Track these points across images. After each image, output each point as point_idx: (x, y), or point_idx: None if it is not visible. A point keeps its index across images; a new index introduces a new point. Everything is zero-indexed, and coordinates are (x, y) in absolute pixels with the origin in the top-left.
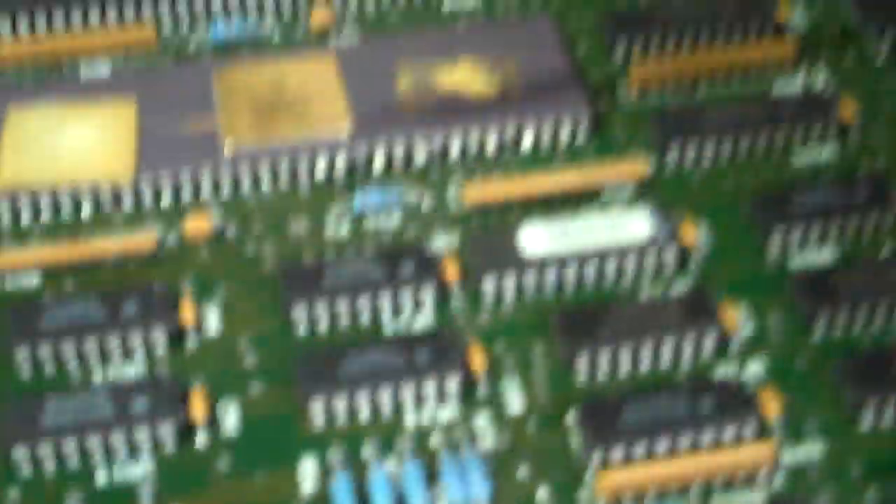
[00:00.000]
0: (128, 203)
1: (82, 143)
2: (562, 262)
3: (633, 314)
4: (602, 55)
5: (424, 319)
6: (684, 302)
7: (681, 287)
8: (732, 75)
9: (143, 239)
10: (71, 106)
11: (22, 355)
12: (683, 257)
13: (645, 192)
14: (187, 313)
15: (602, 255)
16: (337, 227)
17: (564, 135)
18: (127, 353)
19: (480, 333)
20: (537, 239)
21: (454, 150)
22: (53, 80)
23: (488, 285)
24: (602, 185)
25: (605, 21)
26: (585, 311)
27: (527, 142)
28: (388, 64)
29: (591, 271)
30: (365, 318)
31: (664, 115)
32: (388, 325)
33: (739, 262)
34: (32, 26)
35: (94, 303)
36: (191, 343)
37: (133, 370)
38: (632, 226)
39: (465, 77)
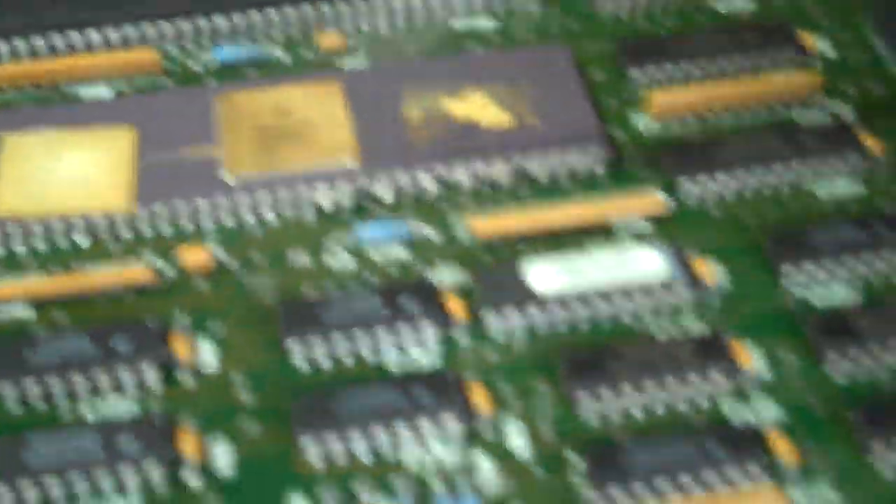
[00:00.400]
0: (125, 234)
1: (79, 172)
2: (570, 300)
3: (643, 354)
4: (618, 84)
5: (427, 356)
6: (696, 342)
7: (693, 326)
8: (753, 105)
9: (139, 271)
10: (68, 132)
11: (8, 390)
12: (696, 295)
13: (658, 226)
14: (181, 348)
15: (612, 293)
16: (339, 259)
17: (578, 166)
18: (118, 389)
19: (484, 371)
20: (546, 275)
21: (463, 181)
22: (51, 103)
23: (493, 322)
24: (615, 220)
25: (621, 49)
26: (593, 350)
27: (539, 173)
28: (396, 91)
29: (600, 309)
30: (365, 355)
31: (679, 147)
32: (389, 362)
33: (754, 301)
34: (31, 46)
35: (85, 337)
36: (184, 379)
37: (124, 407)
38: (644, 262)
39: (476, 106)
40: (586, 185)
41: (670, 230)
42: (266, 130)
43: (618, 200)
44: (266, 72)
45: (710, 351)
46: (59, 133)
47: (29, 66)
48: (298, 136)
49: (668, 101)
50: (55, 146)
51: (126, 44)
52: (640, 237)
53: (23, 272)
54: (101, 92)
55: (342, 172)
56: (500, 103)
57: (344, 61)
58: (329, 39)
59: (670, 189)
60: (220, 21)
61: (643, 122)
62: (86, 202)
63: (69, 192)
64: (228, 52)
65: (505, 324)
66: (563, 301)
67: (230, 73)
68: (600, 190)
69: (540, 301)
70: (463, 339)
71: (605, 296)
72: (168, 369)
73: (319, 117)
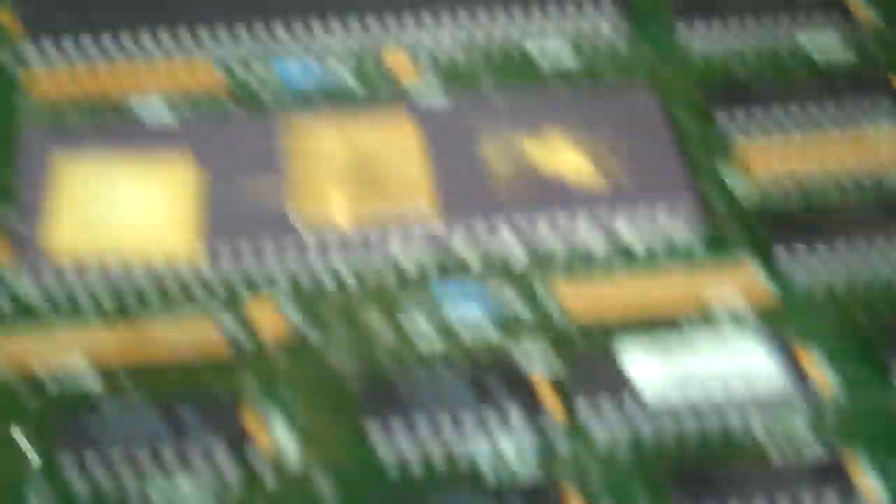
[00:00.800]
0: (189, 284)
1: (138, 204)
2: (674, 404)
3: (754, 472)
4: (707, 132)
5: (519, 455)
6: (812, 464)
7: (804, 436)
8: (856, 170)
9: (206, 333)
10: (125, 159)
11: (70, 464)
12: (807, 398)
13: (758, 309)
14: (253, 426)
15: (721, 403)
16: (418, 325)
17: (668, 228)
18: (186, 466)
19: (583, 482)
20: (645, 369)
21: (549, 244)
22: (104, 116)
23: (591, 422)
24: (711, 297)
25: (710, 93)
26: (703, 464)
27: (627, 238)
28: (474, 129)
29: (707, 418)
30: (453, 446)
31: (780, 216)
32: (480, 459)
33: (873, 409)
34: (83, 47)
35: (151, 410)
36: (256, 465)
37: (192, 483)
38: (749, 358)
39: (561, 156)
40: (676, 251)
41: (771, 315)
42: (339, 173)
43: (714, 276)
44: (337, 97)
45: (830, 475)
46: (116, 159)
47: (82, 72)
48: (374, 182)
49: (763, 157)
50: (109, 174)
51: (183, 52)
52: (737, 319)
53: (80, 317)
54: (156, 106)
55: (421, 225)
56: (583, 150)
57: (413, 86)
58: (395, 59)
59: (769, 265)
60: (280, 32)
61: (736, 181)
62: (146, 242)
63: (128, 228)
64: (291, 69)
65: (603, 425)
66: (666, 405)
67: (298, 97)
68: (693, 258)
69: (641, 403)
70: (558, 439)
71: (714, 405)
72: (240, 448)
73: (395, 160)
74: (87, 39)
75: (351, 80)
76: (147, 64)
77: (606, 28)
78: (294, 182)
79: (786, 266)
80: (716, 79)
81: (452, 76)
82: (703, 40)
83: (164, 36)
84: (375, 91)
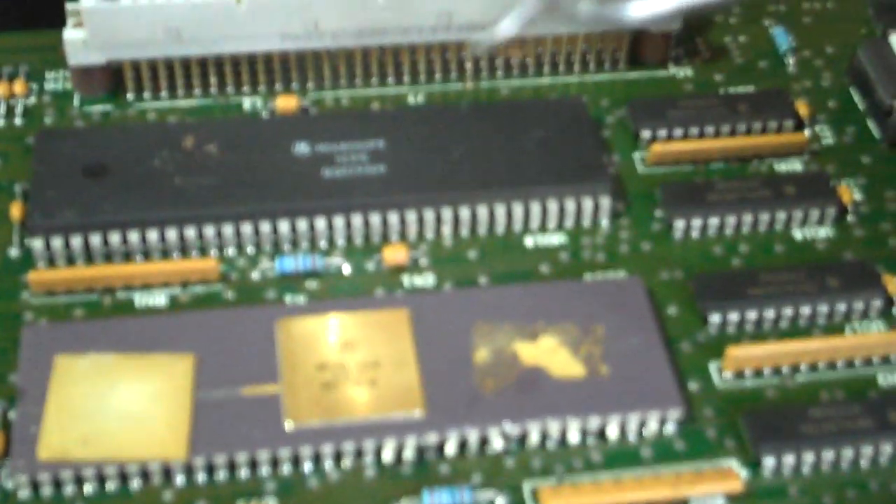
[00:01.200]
0: (179, 479)
1: (134, 406)
2: None
3: None
4: (693, 324)
5: None
6: None
7: None
8: (839, 362)
9: None
10: (123, 357)
11: None
12: None
13: None
14: None
15: None
16: None
17: (653, 426)
18: None
19: None
20: None
21: (533, 438)
22: (105, 311)
23: None
24: (692, 496)
25: (697, 286)
26: None
27: (612, 434)
28: (466, 323)
29: None
30: None
31: (761, 412)
32: None
33: None
34: (87, 243)
35: None
36: None
37: None
38: None
39: (547, 351)
40: (660, 447)
41: None
42: (329, 368)
43: (695, 474)
44: (328, 283)
45: None
46: (114, 357)
47: (83, 271)
48: (363, 377)
49: (747, 355)
50: (108, 373)
51: (184, 245)
52: None
53: None
54: (157, 299)
55: (408, 424)
56: (572, 347)
57: (409, 277)
58: (394, 254)
59: (751, 461)
60: (283, 227)
61: (721, 378)
62: (141, 448)
63: (123, 432)
64: (290, 262)
65: None
66: None
67: (290, 285)
68: (674, 455)
69: None
70: None
71: None
72: None
73: (385, 354)
74: (93, 237)
75: (344, 267)
76: (150, 259)
77: (604, 223)
78: (285, 380)
79: (766, 463)
80: (701, 265)
81: (449, 269)
82: (695, 232)
83: (169, 233)
84: (372, 282)
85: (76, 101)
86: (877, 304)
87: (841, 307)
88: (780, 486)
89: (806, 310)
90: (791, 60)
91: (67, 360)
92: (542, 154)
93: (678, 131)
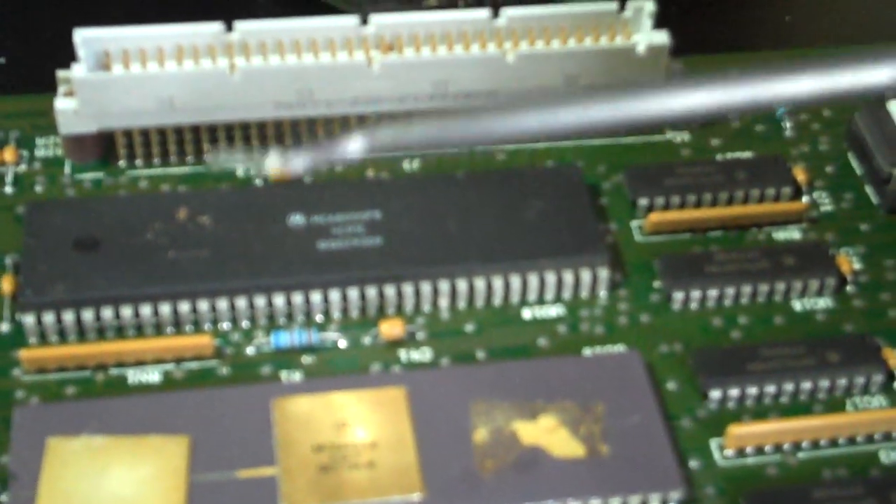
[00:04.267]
0: None
1: (128, 491)
2: None
3: None
4: (693, 400)
5: None
6: None
7: None
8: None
9: None
10: (115, 440)
11: None
12: None
13: None
14: None
15: None
16: None
17: None
18: None
19: None
20: None
21: None
22: (97, 389)
23: None
24: None
25: (697, 361)
26: None
27: None
28: (463, 404)
29: None
30: None
31: (762, 495)
32: None
33: None
34: (79, 319)
35: None
36: None
37: None
38: None
39: (547, 430)
40: None
41: None
42: (326, 450)
43: None
44: (324, 357)
45: None
46: (106, 440)
47: (75, 349)
48: (360, 459)
49: (749, 433)
50: (101, 456)
51: (178, 319)
52: None
53: None
54: (151, 376)
55: None
56: (572, 427)
57: (406, 351)
58: (390, 328)
59: None
60: (278, 301)
61: (723, 456)
62: None
63: None
64: (286, 337)
65: None
66: None
67: (286, 360)
68: None
69: None
70: None
71: None
72: None
73: (383, 434)
74: (86, 313)
75: (340, 342)
76: (143, 335)
77: (602, 294)
78: (281, 464)
79: None
80: (699, 338)
81: (446, 343)
82: (694, 304)
83: (162, 308)
84: (368, 356)
85: (67, 169)
86: (878, 378)
87: (842, 381)
88: None
89: (807, 385)
90: (788, 124)
91: (60, 443)
92: (540, 225)
93: (675, 199)
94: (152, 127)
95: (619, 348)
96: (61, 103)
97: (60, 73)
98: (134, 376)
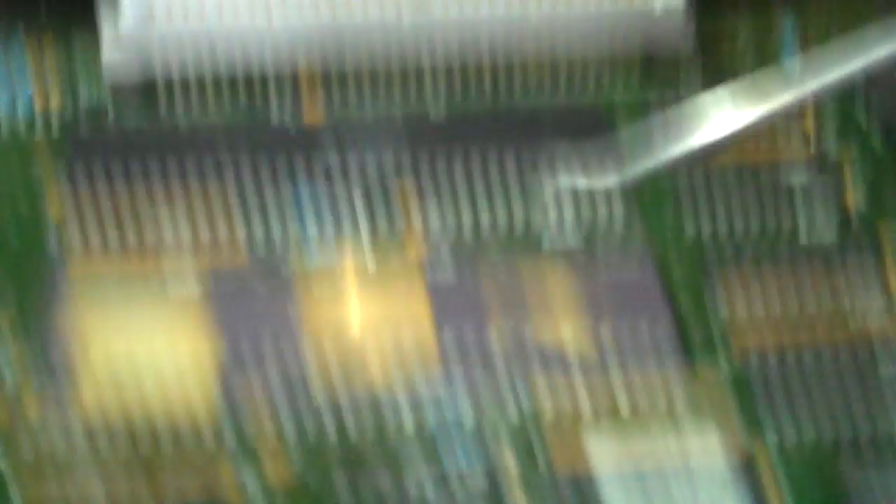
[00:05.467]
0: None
1: (161, 361)
2: None
3: None
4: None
5: None
6: None
7: None
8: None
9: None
10: (155, 322)
11: None
12: None
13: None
14: None
15: None
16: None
17: (659, 391)
18: None
19: None
20: None
21: (546, 409)
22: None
23: None
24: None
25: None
26: None
27: (623, 406)
28: (486, 308)
29: None
30: None
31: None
32: None
33: None
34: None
35: None
36: None
37: None
38: None
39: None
40: (669, 411)
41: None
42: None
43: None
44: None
45: None
46: (146, 322)
47: (114, 257)
48: (386, 349)
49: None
50: (142, 340)
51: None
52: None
53: (103, 468)
54: (186, 278)
55: (426, 386)
56: (582, 324)
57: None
58: (414, 243)
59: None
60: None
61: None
62: (167, 391)
63: (150, 379)
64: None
65: None
66: None
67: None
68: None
69: None
70: None
71: None
72: None
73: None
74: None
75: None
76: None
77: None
78: (310, 346)
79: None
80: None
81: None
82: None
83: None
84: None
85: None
86: None
87: None
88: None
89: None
90: None
91: (97, 322)
92: None
93: None
94: (199, 77)
95: None
96: (107, 51)
97: (105, 23)
98: (172, 285)
